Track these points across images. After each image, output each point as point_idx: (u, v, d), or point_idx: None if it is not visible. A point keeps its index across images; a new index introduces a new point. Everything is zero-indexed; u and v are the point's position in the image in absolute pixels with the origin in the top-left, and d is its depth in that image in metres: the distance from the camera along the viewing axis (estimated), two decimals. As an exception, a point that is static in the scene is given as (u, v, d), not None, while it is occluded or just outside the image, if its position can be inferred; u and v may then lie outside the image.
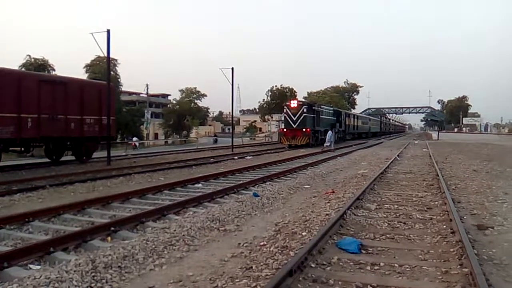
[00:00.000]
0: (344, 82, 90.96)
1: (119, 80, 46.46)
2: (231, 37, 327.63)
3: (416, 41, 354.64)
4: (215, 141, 48.73)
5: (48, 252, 5.31)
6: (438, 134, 58.12)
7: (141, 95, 72.99)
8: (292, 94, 61.37)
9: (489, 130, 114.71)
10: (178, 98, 68.54)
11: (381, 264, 4.81)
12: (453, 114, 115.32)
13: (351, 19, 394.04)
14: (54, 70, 41.60)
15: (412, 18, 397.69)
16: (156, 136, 68.65)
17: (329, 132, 29.59)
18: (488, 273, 4.42)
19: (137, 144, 43.25)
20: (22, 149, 17.00)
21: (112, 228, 6.44)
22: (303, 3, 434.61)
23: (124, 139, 42.24)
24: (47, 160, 18.14)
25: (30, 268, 4.94)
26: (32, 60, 40.38)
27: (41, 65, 40.16)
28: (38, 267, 4.98)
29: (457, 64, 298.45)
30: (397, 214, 7.45)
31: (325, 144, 28.73)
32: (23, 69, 36.00)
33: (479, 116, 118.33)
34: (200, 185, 11.68)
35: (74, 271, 4.44)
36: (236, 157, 21.98)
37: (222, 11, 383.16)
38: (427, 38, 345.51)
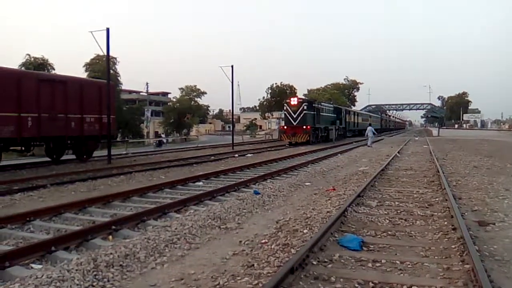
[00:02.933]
0: (344, 79, 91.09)
1: (119, 78, 46.38)
2: (231, 35, 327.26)
3: (417, 37, 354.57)
4: (159, 145, 37.25)
5: (49, 251, 5.31)
6: (439, 130, 58.06)
7: (141, 93, 73.13)
8: (292, 91, 61.46)
9: (489, 126, 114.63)
10: (178, 96, 68.62)
11: (383, 261, 4.81)
12: (453, 110, 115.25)
13: (352, 16, 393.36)
14: (53, 69, 41.53)
15: (413, 14, 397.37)
16: (156, 134, 68.72)
17: (369, 127, 29.96)
18: (489, 270, 4.42)
19: (165, 141, 42.16)
20: (23, 148, 17.00)
21: (113, 227, 6.43)
22: (304, 1, 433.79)
23: (125, 138, 42.16)
24: (47, 159, 18.13)
25: (32, 268, 4.94)
26: (32, 59, 40.29)
27: (41, 64, 40.09)
28: (40, 266, 4.98)
29: (457, 61, 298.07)
30: (398, 211, 7.45)
31: (369, 142, 28.67)
32: (22, 68, 35.97)
33: (479, 112, 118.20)
34: (201, 183, 11.67)
35: (76, 270, 4.44)
36: (236, 155, 21.96)
37: (222, 9, 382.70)
38: (428, 34, 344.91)
